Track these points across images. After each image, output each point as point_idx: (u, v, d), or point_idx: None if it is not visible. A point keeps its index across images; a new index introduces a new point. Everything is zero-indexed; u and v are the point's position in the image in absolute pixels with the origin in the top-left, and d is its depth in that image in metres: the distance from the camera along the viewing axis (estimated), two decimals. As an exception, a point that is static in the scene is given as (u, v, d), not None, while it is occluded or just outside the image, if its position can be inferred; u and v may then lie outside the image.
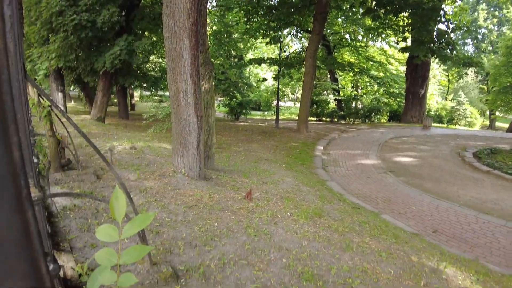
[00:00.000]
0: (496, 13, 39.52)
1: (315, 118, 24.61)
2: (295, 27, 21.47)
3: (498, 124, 35.52)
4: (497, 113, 30.92)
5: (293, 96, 48.13)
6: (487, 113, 36.34)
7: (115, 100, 22.30)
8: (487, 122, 35.67)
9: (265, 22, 18.45)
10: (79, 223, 3.27)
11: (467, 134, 17.33)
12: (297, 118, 16.99)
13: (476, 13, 39.18)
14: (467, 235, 5.63)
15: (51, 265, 0.62)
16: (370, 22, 20.29)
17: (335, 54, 25.04)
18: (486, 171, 9.64)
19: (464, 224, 6.04)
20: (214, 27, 21.04)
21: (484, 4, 39.26)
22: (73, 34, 11.28)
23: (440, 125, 24.60)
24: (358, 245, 3.81)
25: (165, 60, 7.47)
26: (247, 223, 3.95)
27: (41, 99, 3.80)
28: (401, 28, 18.33)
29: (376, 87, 28.38)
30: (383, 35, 21.75)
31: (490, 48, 39.10)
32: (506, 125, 27.35)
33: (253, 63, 22.52)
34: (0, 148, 0.48)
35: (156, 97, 14.90)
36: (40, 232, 0.51)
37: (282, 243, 3.54)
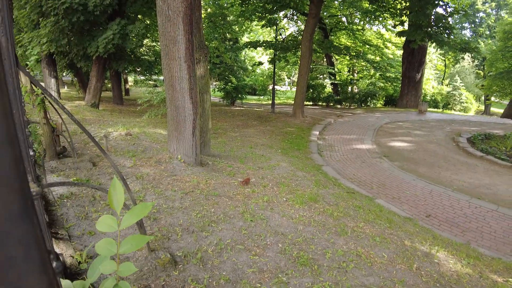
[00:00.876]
0: (495, -4, 39.11)
1: (311, 103, 24.54)
2: (292, 10, 21.09)
3: (493, 109, 35.71)
4: (492, 99, 31.03)
5: (289, 80, 47.80)
6: (483, 98, 36.45)
7: (109, 85, 22.00)
8: (482, 108, 35.82)
9: (261, 4, 18.07)
10: (76, 211, 3.29)
11: (462, 119, 17.45)
12: (293, 102, 16.93)
13: (474, -4, 38.74)
14: (459, 220, 5.75)
15: (54, 263, 0.63)
16: (367, 5, 19.96)
17: (332, 37, 24.75)
18: (480, 157, 9.76)
19: (457, 209, 6.16)
20: (209, 10, 20.60)
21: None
22: (64, 18, 10.96)
23: (435, 110, 24.68)
24: (353, 229, 3.88)
25: (159, 44, 7.35)
26: (243, 208, 4.00)
27: (33, 86, 3.74)
28: (398, 11, 18.10)
29: (372, 71, 28.25)
30: (380, 19, 21.46)
31: (488, 32, 38.86)
32: (501, 111, 27.50)
33: (249, 46, 22.17)
34: None
35: (150, 82, 14.73)
36: (43, 230, 0.51)
37: (278, 228, 3.59)
